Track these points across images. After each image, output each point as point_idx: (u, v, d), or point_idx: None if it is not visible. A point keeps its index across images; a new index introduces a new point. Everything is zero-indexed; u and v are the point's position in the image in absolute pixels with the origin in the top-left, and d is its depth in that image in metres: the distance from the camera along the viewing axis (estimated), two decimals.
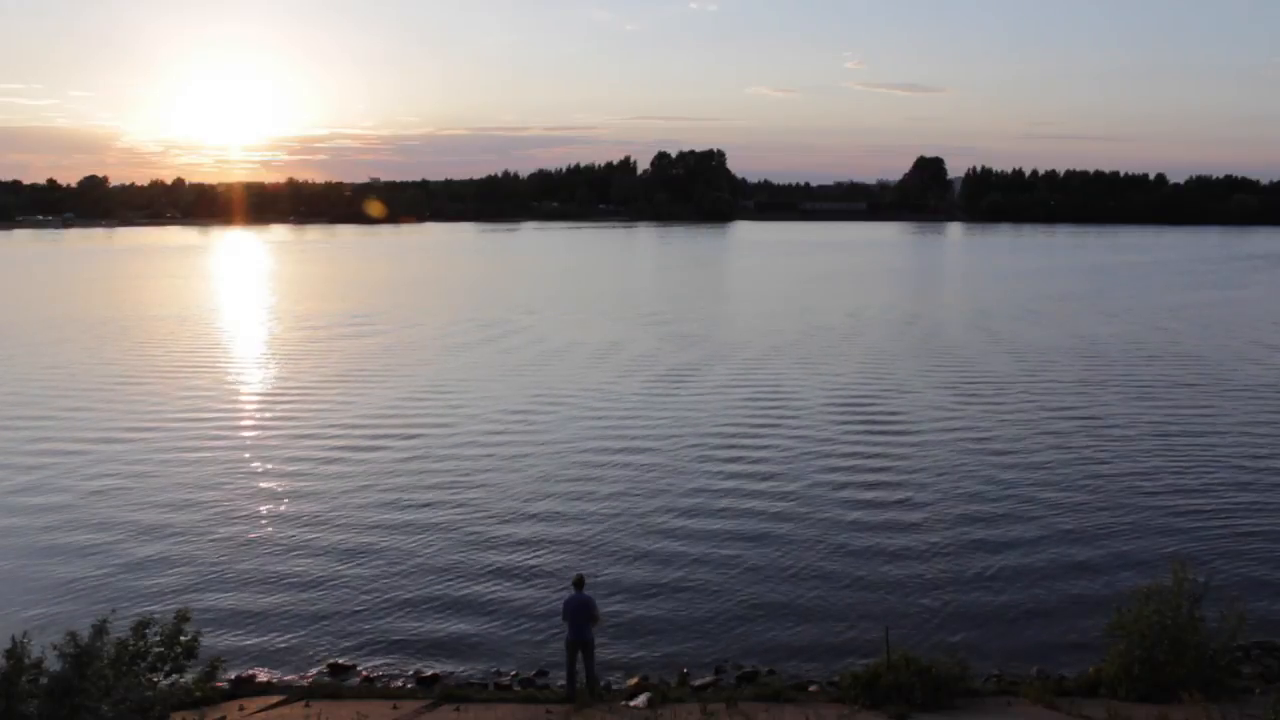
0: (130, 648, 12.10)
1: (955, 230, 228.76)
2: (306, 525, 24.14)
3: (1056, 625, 18.59)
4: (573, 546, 22.60)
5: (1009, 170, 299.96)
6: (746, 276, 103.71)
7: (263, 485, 27.55)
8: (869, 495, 26.28)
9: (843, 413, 35.99)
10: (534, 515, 24.71)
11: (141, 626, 12.35)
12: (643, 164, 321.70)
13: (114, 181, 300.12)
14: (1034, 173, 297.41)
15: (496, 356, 49.22)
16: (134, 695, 11.48)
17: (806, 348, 51.62)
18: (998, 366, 45.84)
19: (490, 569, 21.34)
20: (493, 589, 20.30)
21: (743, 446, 31.20)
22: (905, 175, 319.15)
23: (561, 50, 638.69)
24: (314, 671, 17.08)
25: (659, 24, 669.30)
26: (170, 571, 21.32)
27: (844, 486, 27.00)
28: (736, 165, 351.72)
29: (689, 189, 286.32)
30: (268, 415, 36.30)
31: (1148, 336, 55.90)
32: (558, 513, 24.91)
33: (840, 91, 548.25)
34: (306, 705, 15.23)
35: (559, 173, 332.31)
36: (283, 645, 18.00)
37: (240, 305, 76.75)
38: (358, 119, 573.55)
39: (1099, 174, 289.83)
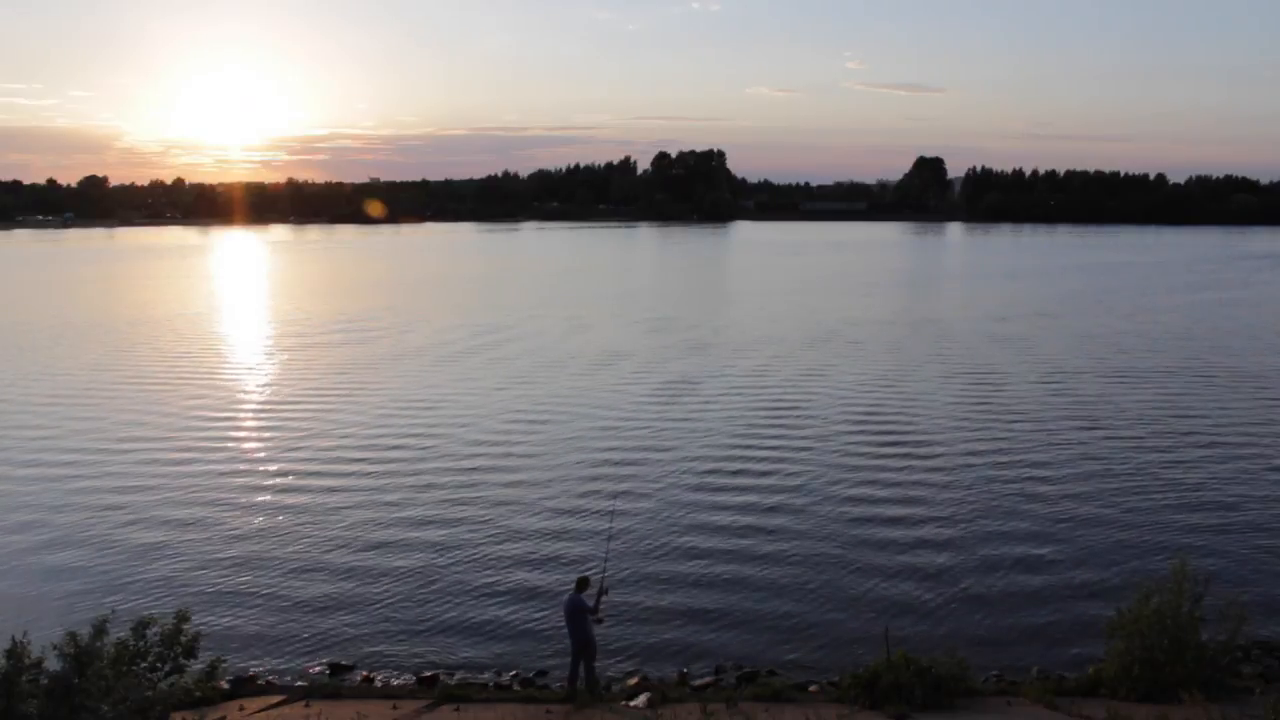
0: (130, 648, 12.11)
1: (955, 230, 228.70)
2: (307, 526, 24.14)
3: (1056, 625, 18.59)
4: (574, 547, 22.59)
5: (1009, 170, 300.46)
6: (749, 278, 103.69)
7: (263, 487, 27.55)
8: (869, 495, 26.27)
9: (844, 414, 35.98)
10: (535, 517, 24.70)
11: (141, 626, 12.36)
12: (643, 164, 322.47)
13: (114, 181, 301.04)
14: (1034, 173, 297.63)
15: (497, 361, 49.22)
16: (134, 695, 11.48)
17: (809, 350, 51.62)
18: (998, 367, 45.82)
19: (491, 570, 21.34)
20: (493, 589, 20.29)
21: (743, 448, 31.19)
22: (905, 175, 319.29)
23: (562, 50, 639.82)
24: (314, 671, 17.08)
25: (660, 24, 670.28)
26: (170, 572, 21.32)
27: (844, 487, 26.99)
28: (736, 165, 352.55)
29: (689, 189, 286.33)
30: (268, 419, 36.30)
31: (1149, 336, 55.87)
32: (559, 514, 24.91)
33: (840, 91, 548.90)
34: (306, 705, 15.23)
35: (559, 173, 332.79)
36: (283, 646, 17.99)
37: (241, 308, 76.81)
38: (358, 119, 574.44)
39: (1099, 174, 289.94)
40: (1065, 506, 25.21)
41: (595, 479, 27.79)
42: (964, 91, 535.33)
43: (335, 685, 16.36)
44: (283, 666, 17.23)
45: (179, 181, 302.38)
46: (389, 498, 26.24)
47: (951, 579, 20.68)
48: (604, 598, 15.56)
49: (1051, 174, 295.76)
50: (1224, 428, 33.47)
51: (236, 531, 23.78)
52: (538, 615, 18.99)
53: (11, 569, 21.53)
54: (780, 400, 38.30)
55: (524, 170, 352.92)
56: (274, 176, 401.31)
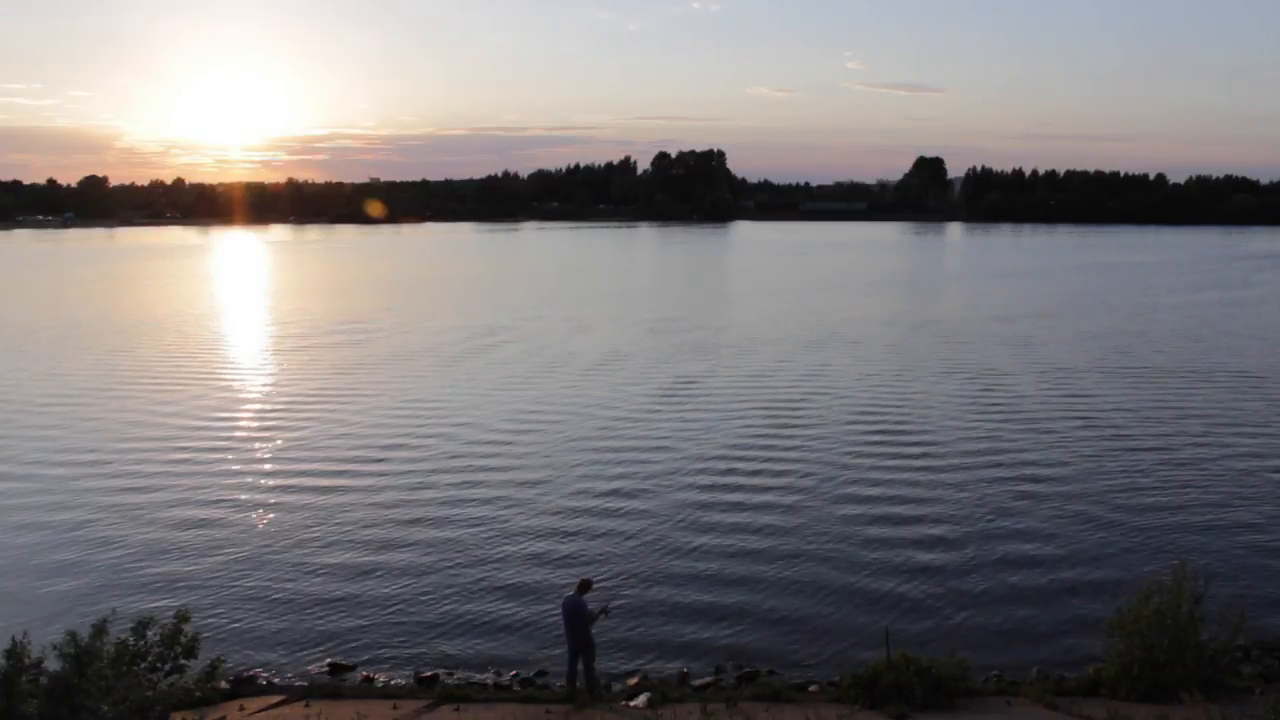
0: (130, 648, 12.11)
1: (955, 230, 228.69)
2: (307, 527, 24.14)
3: (1057, 625, 18.59)
4: (574, 548, 22.60)
5: (1009, 170, 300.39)
6: (749, 278, 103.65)
7: (263, 488, 27.55)
8: (869, 496, 26.26)
9: (845, 415, 35.97)
10: (535, 517, 24.70)
11: (141, 627, 12.37)
12: (643, 164, 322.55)
13: (114, 181, 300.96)
14: (1034, 173, 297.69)
15: (498, 362, 49.24)
16: (134, 695, 11.48)
17: (810, 351, 51.62)
18: (998, 367, 45.81)
19: (491, 570, 21.33)
20: (493, 590, 20.29)
21: (744, 449, 31.18)
22: (905, 175, 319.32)
23: (562, 50, 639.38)
24: (314, 671, 17.08)
25: (660, 24, 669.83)
26: (170, 572, 21.32)
27: (844, 488, 26.99)
28: (736, 165, 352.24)
29: (689, 189, 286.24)
30: (269, 419, 36.29)
31: (1150, 336, 55.86)
32: (559, 515, 24.90)
33: (840, 91, 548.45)
34: (306, 705, 15.23)
35: (559, 173, 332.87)
36: (283, 645, 18.00)
37: (241, 309, 76.84)
38: (358, 119, 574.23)
39: (1099, 174, 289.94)
40: (1065, 506, 25.20)
41: (596, 481, 27.78)
42: (964, 91, 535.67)
43: (335, 685, 16.36)
44: (283, 666, 17.23)
45: (179, 181, 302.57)
46: (389, 498, 26.24)
47: (952, 579, 20.67)
48: (602, 618, 15.51)
49: (1051, 174, 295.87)
50: (1225, 428, 33.45)
51: (237, 531, 23.78)
52: (538, 615, 18.98)
53: (12, 569, 21.52)
54: (781, 401, 38.30)
55: (524, 170, 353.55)
56: (274, 176, 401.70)
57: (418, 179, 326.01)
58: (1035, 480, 27.44)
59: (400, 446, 31.40)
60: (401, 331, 58.83)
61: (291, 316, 66.95)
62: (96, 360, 48.52)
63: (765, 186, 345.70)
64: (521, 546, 22.62)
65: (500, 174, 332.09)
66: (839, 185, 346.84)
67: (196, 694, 12.94)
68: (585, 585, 15.64)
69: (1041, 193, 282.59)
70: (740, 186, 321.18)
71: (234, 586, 20.51)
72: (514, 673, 16.99)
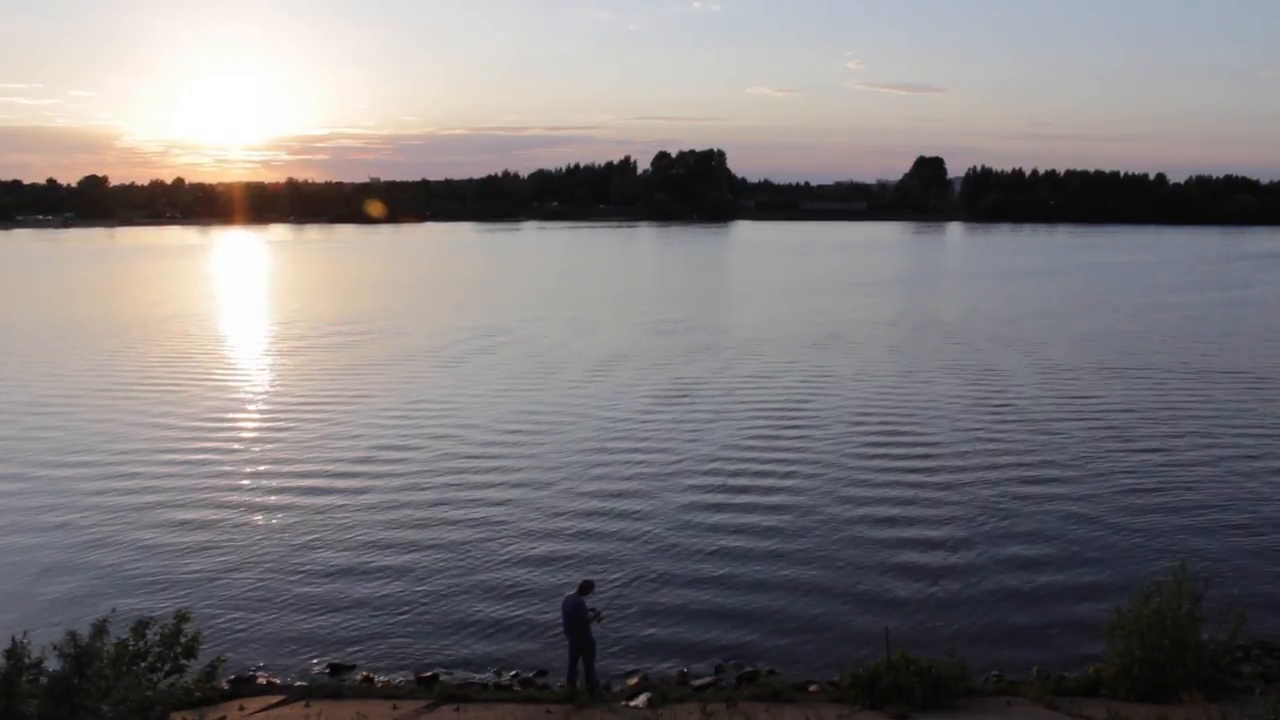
0: (130, 648, 12.12)
1: (956, 230, 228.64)
2: (308, 527, 24.14)
3: (1056, 625, 18.59)
4: (575, 548, 22.60)
5: (1009, 170, 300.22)
6: (750, 278, 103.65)
7: (263, 489, 27.55)
8: (869, 496, 26.26)
9: (845, 415, 35.98)
10: (537, 518, 24.70)
11: (141, 627, 12.37)
12: (643, 164, 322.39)
13: (114, 181, 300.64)
14: (1034, 173, 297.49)
15: (498, 363, 49.24)
16: (134, 695, 11.48)
17: (811, 351, 51.62)
18: (999, 367, 45.81)
19: (491, 570, 21.34)
20: (493, 590, 20.30)
21: (745, 449, 31.19)
22: (905, 175, 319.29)
23: (562, 50, 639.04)
24: (314, 671, 17.08)
25: (660, 24, 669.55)
26: (171, 572, 21.32)
27: (845, 488, 26.99)
28: (736, 165, 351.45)
29: (689, 189, 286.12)
30: (269, 421, 36.31)
31: (1151, 337, 55.86)
32: (560, 516, 24.90)
33: (840, 91, 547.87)
34: (306, 705, 15.23)
35: (559, 173, 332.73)
36: (283, 645, 18.00)
37: (241, 310, 76.86)
38: (358, 119, 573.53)
39: (1099, 174, 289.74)
40: (1066, 506, 25.21)
41: (597, 481, 27.78)
42: (964, 91, 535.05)
43: (335, 685, 16.36)
44: (283, 666, 17.23)
45: (179, 181, 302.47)
46: (390, 499, 26.24)
47: (952, 579, 20.68)
48: (595, 622, 15.48)
49: (1051, 174, 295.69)
50: (1226, 428, 33.45)
51: (237, 532, 23.78)
52: (538, 615, 18.99)
53: (12, 569, 21.53)
54: (781, 401, 38.29)
55: (524, 170, 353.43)
56: (274, 176, 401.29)
57: (418, 179, 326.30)
58: (1036, 481, 27.44)
59: (401, 447, 31.40)
60: (401, 332, 58.84)
61: (291, 317, 66.95)
62: (97, 361, 48.51)
63: (765, 186, 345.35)
64: (522, 547, 22.62)
65: (500, 174, 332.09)
66: (839, 185, 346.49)
67: (196, 694, 12.96)
68: (587, 586, 15.65)
69: (1041, 193, 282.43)
70: (740, 186, 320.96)
71: (234, 586, 20.52)
72: (514, 673, 16.99)
